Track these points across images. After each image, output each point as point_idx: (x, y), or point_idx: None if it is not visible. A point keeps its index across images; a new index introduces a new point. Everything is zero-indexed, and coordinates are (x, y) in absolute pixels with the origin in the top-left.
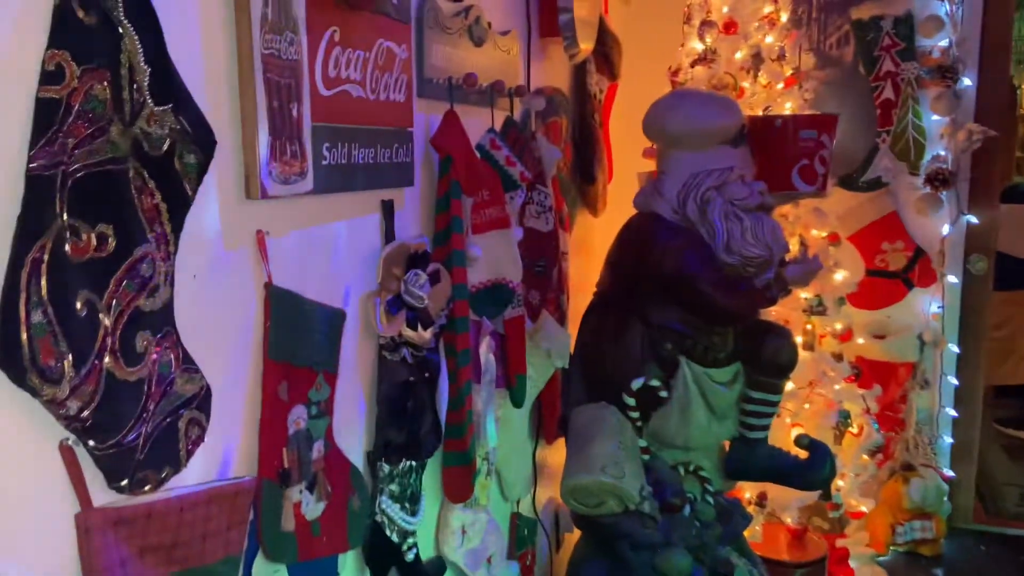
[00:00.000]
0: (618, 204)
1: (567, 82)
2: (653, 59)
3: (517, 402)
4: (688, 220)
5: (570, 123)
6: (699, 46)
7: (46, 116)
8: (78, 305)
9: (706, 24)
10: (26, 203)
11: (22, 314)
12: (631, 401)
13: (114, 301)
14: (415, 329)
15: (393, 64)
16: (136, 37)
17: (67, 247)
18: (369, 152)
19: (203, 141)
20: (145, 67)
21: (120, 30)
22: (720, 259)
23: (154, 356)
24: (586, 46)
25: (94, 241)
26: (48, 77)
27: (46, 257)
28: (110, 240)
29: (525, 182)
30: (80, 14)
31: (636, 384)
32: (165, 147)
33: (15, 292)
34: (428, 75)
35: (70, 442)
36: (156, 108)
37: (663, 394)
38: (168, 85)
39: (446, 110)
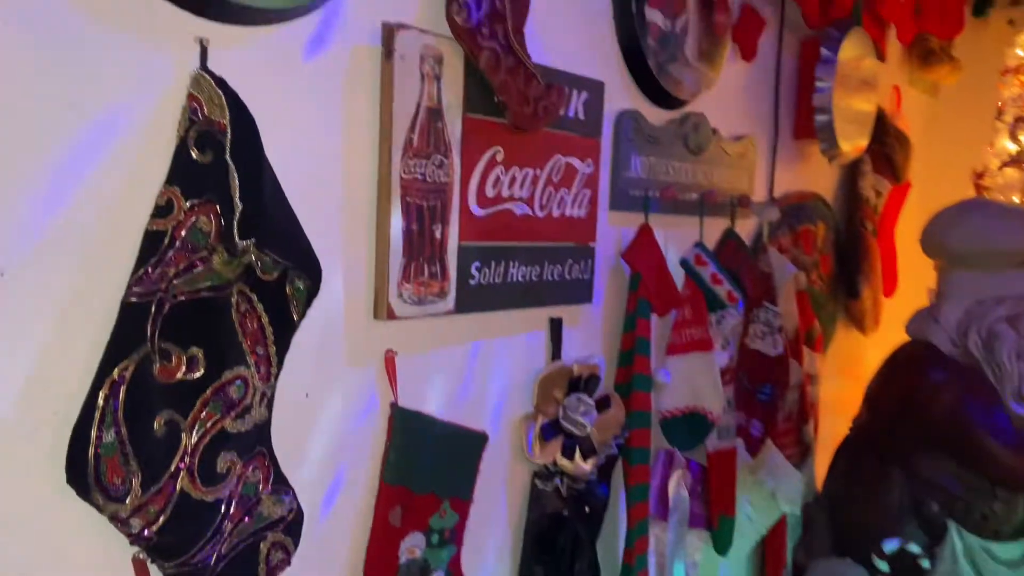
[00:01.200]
0: (902, 323)
1: (832, 185)
2: (958, 158)
3: (720, 548)
4: (969, 356)
5: (831, 230)
6: (1012, 146)
7: (151, 247)
8: (155, 426)
9: (1022, 120)
10: (116, 329)
11: (93, 434)
12: (883, 565)
13: (197, 423)
14: (571, 458)
15: (572, 180)
16: (236, 175)
17: (155, 369)
18: (533, 270)
19: (308, 270)
20: (239, 203)
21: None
22: (1009, 408)
23: (237, 477)
24: (854, 146)
25: (184, 364)
26: (158, 211)
27: (128, 377)
28: (200, 363)
29: (733, 302)
30: (195, 153)
31: (890, 546)
32: (276, 273)
33: (90, 412)
34: (624, 187)
35: (142, 556)
36: (240, 242)
37: (924, 564)
38: (256, 221)
39: (641, 223)
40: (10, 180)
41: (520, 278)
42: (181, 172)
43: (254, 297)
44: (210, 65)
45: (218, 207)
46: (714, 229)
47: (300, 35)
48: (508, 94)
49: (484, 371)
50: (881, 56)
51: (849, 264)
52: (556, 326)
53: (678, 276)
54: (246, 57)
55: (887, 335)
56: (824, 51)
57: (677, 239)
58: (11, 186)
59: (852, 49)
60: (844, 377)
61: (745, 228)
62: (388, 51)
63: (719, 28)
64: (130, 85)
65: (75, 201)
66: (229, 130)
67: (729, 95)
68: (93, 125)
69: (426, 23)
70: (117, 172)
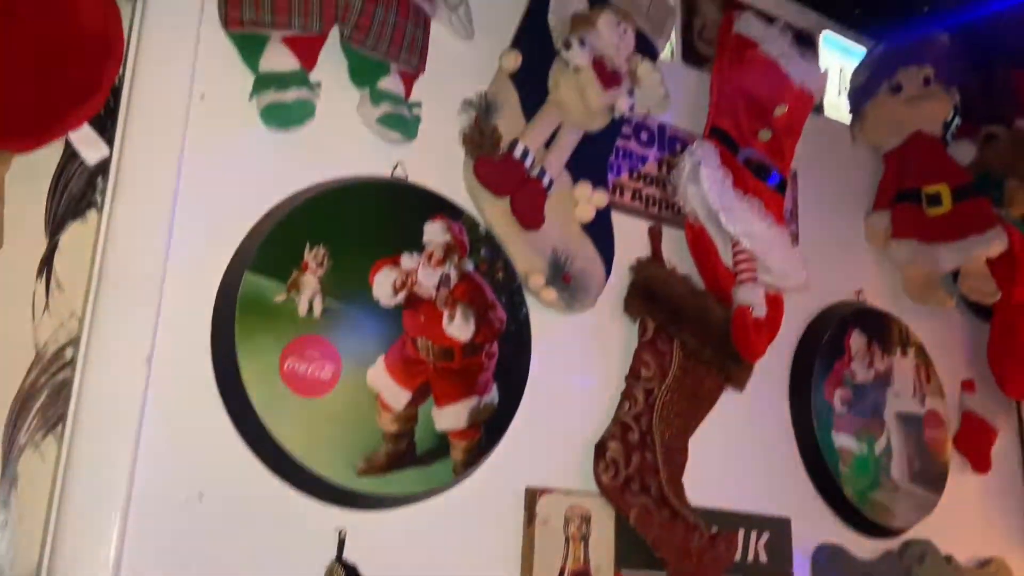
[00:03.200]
0: None
1: None
2: None
3: None
4: None
5: None
6: None
7: None
8: None
9: None
10: None
11: None
12: None
13: None
14: None
15: None
16: None
17: None
18: None
19: None
20: None
21: None
22: None
23: None
24: None
25: None
26: None
27: None
28: None
29: None
30: None
31: None
32: None
33: None
34: None
35: None
36: None
37: None
38: None
39: None
40: None
41: None
42: None
43: None
44: (348, 547)
45: None
46: None
47: (438, 511)
48: (665, 549)
49: None
50: None
51: None
52: None
53: None
54: (383, 538)
55: None
56: None
57: None
58: None
59: None
60: None
61: None
62: (530, 516)
63: (934, 444)
64: None
65: None
66: None
67: (963, 514)
68: None
69: (573, 481)
70: None
